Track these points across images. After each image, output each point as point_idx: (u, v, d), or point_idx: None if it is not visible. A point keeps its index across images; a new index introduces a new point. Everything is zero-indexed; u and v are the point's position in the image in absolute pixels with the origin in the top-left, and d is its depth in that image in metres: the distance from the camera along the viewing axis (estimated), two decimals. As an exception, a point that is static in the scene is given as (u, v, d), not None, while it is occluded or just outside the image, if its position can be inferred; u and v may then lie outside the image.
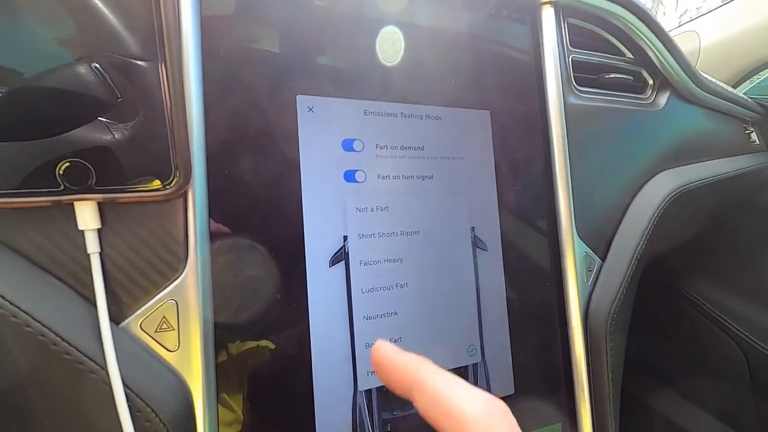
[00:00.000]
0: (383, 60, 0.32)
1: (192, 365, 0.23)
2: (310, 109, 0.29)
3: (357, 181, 0.30)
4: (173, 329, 0.23)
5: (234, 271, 0.26)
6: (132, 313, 0.23)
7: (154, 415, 0.21)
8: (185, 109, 0.23)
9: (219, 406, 0.24)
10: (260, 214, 0.27)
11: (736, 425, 0.80)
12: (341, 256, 0.29)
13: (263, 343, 0.27)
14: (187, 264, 0.23)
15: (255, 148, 0.27)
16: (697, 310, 0.82)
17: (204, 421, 0.23)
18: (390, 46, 0.32)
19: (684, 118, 0.49)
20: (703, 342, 0.83)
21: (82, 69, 0.21)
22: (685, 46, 0.90)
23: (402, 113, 0.32)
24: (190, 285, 0.23)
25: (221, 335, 0.25)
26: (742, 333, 0.78)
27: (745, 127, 0.70)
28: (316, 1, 0.30)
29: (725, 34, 0.84)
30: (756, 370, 0.78)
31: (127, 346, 0.22)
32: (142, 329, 0.23)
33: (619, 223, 0.40)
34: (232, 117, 0.26)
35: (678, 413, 0.85)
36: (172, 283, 0.23)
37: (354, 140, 0.31)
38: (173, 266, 0.23)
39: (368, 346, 0.30)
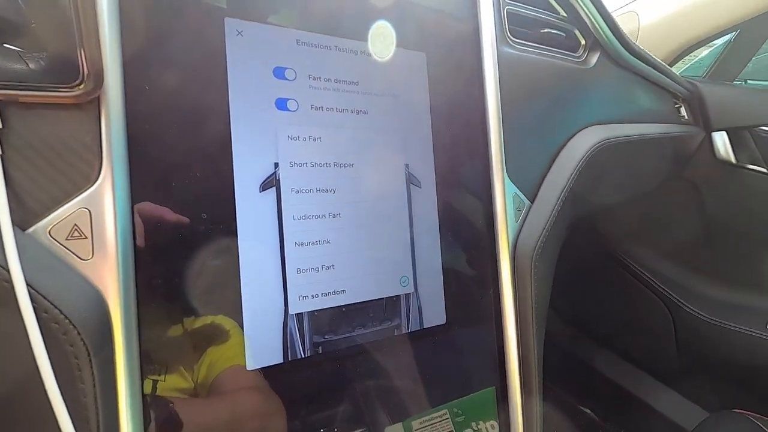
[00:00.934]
0: (317, -8, 0.32)
1: (107, 274, 0.23)
2: (239, 33, 0.29)
3: (289, 110, 0.30)
4: (86, 237, 0.22)
5: (156, 186, 0.25)
6: (39, 220, 0.22)
7: (63, 317, 0.21)
8: (96, 13, 0.22)
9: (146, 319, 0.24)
10: (185, 133, 0.27)
11: (661, 376, 0.88)
12: (272, 182, 0.29)
13: (189, 264, 0.26)
14: (102, 173, 0.23)
15: (179, 65, 0.27)
16: (629, 272, 0.89)
17: (122, 328, 0.23)
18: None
19: (613, 79, 0.53)
20: (634, 302, 0.90)
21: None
22: (625, 26, 0.96)
23: (336, 47, 0.33)
24: (105, 193, 0.23)
25: (143, 252, 0.24)
26: (668, 293, 0.85)
27: (675, 102, 0.75)
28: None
29: (663, 13, 0.90)
30: (680, 327, 0.85)
31: (33, 251, 0.21)
32: (51, 236, 0.22)
33: (548, 169, 0.43)
34: (153, 30, 0.26)
35: (610, 367, 0.92)
36: (84, 191, 0.23)
37: (286, 68, 0.31)
38: (85, 174, 0.23)
39: (300, 271, 0.30)
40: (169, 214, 0.25)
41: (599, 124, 0.49)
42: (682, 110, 0.78)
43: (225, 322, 0.27)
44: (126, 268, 0.23)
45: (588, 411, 0.94)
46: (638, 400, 0.87)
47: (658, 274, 0.88)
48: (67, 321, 0.21)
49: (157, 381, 0.25)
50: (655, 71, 0.61)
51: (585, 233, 0.84)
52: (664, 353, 0.87)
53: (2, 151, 0.21)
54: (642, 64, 0.57)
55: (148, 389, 0.24)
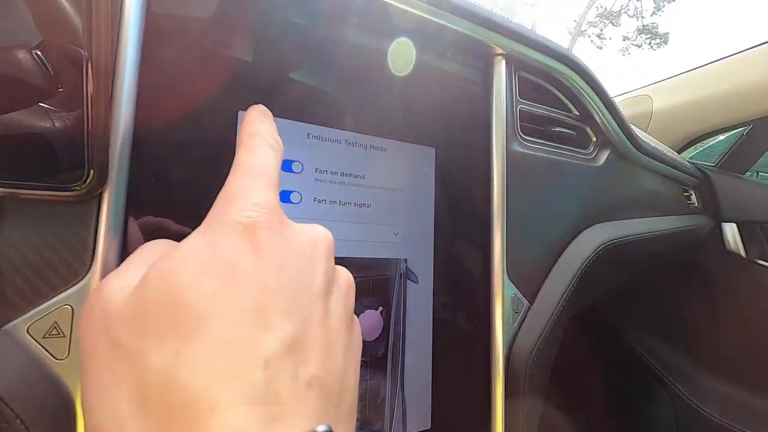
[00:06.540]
0: (332, 87, 0.33)
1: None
2: (251, 126, 0.29)
3: (292, 202, 0.30)
4: (64, 336, 0.22)
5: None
6: (19, 316, 0.21)
7: (18, 421, 0.20)
8: (110, 107, 0.23)
9: None
10: (187, 225, 0.26)
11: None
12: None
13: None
14: (91, 269, 0.23)
15: (189, 159, 0.27)
16: (636, 360, 0.85)
17: (82, 436, 0.22)
18: (342, 75, 0.33)
19: (622, 175, 0.53)
20: (638, 389, 0.86)
21: (22, 54, 0.21)
22: (638, 107, 0.97)
23: (346, 141, 0.33)
24: (91, 291, 0.22)
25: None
26: (670, 381, 0.81)
27: (684, 189, 0.75)
28: (293, 19, 0.30)
29: (676, 100, 0.91)
30: (682, 420, 0.81)
31: (6, 350, 0.21)
32: (28, 334, 0.21)
33: (550, 269, 0.42)
34: (166, 124, 0.26)
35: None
36: (70, 287, 0.22)
37: (293, 161, 0.31)
38: (74, 270, 0.22)
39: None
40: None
41: (606, 221, 0.49)
42: (692, 197, 0.78)
43: None
44: (100, 368, 0.22)
45: None
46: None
47: (661, 360, 0.84)
48: (21, 425, 0.20)
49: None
50: (664, 165, 0.61)
51: (597, 319, 0.82)
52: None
53: (-5, 245, 0.21)
54: (649, 159, 0.57)
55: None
